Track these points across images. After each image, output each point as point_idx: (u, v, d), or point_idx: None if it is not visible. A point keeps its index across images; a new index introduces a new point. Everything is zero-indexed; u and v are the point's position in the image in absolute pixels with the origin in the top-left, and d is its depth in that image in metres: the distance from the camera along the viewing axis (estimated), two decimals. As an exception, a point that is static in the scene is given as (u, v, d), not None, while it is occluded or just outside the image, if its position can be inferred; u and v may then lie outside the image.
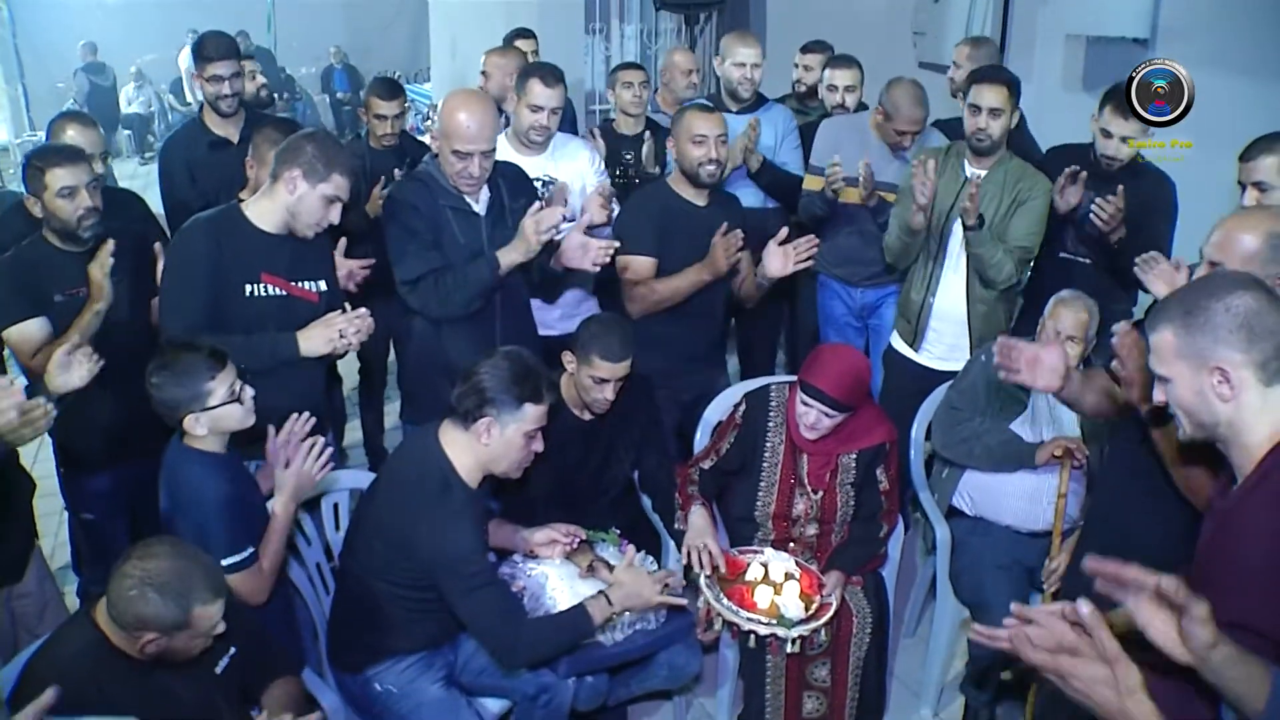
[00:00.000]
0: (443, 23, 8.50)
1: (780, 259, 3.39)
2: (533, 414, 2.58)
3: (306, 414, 2.69)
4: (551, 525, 3.00)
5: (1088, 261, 3.63)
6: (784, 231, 3.44)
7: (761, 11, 7.37)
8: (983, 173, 3.58)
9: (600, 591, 2.72)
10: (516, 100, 3.66)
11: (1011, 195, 3.54)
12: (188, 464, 2.49)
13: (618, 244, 3.32)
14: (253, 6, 13.62)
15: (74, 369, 2.58)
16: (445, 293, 3.11)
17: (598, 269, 3.31)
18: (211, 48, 3.99)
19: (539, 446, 2.65)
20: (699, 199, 3.52)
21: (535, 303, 3.70)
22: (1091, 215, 3.41)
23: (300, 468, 2.62)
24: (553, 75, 3.62)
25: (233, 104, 4.04)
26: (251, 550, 2.48)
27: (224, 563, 2.38)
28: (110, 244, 3.05)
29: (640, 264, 3.48)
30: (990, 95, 3.49)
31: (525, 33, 5.32)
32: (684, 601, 2.84)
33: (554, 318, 3.73)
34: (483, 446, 2.58)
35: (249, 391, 2.51)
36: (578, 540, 3.00)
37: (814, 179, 4.09)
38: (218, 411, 2.46)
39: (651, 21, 7.46)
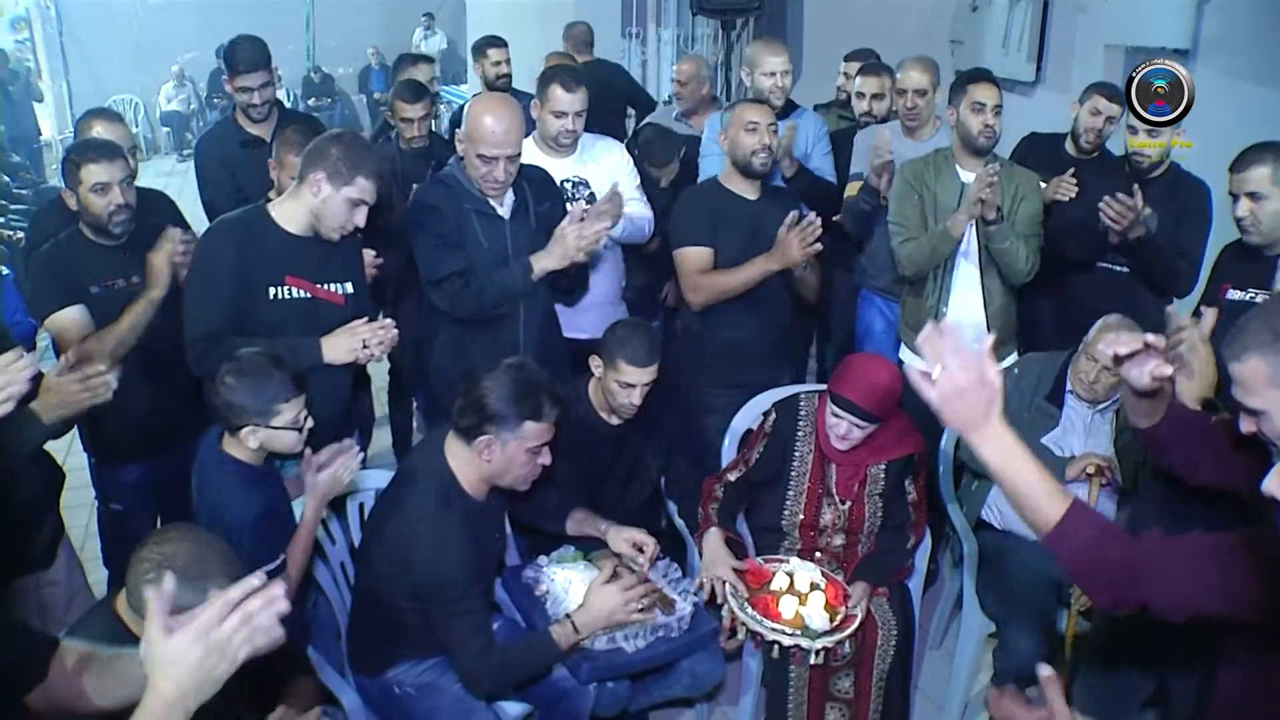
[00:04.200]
0: (479, 25, 8.53)
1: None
2: (533, 431, 2.54)
3: (355, 446, 2.70)
4: (635, 530, 2.97)
5: (1125, 270, 3.58)
6: (793, 215, 3.39)
7: (799, 18, 7.34)
8: (974, 175, 3.54)
9: (567, 615, 2.67)
10: (540, 107, 3.68)
11: (1011, 192, 3.53)
12: (224, 473, 2.52)
13: (609, 226, 3.31)
14: (292, 6, 13.74)
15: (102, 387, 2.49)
16: (475, 293, 3.11)
17: (584, 256, 3.20)
18: (241, 59, 4.00)
19: (546, 460, 2.62)
20: (750, 192, 3.52)
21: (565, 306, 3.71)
22: (1100, 213, 3.38)
23: (334, 473, 2.63)
24: (573, 79, 3.65)
25: (262, 112, 4.06)
26: (284, 558, 2.51)
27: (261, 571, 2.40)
28: (176, 232, 3.11)
29: (697, 254, 3.49)
30: (992, 93, 3.50)
31: (496, 41, 5.33)
32: (654, 618, 2.77)
33: (584, 321, 3.73)
34: (484, 463, 2.56)
35: (310, 423, 2.54)
36: (653, 550, 2.96)
37: (855, 185, 4.07)
38: (276, 432, 2.48)
39: (688, 27, 7.47)
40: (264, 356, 2.52)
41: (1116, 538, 1.74)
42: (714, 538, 3.02)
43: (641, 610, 2.67)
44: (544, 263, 3.13)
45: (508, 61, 5.18)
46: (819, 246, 3.37)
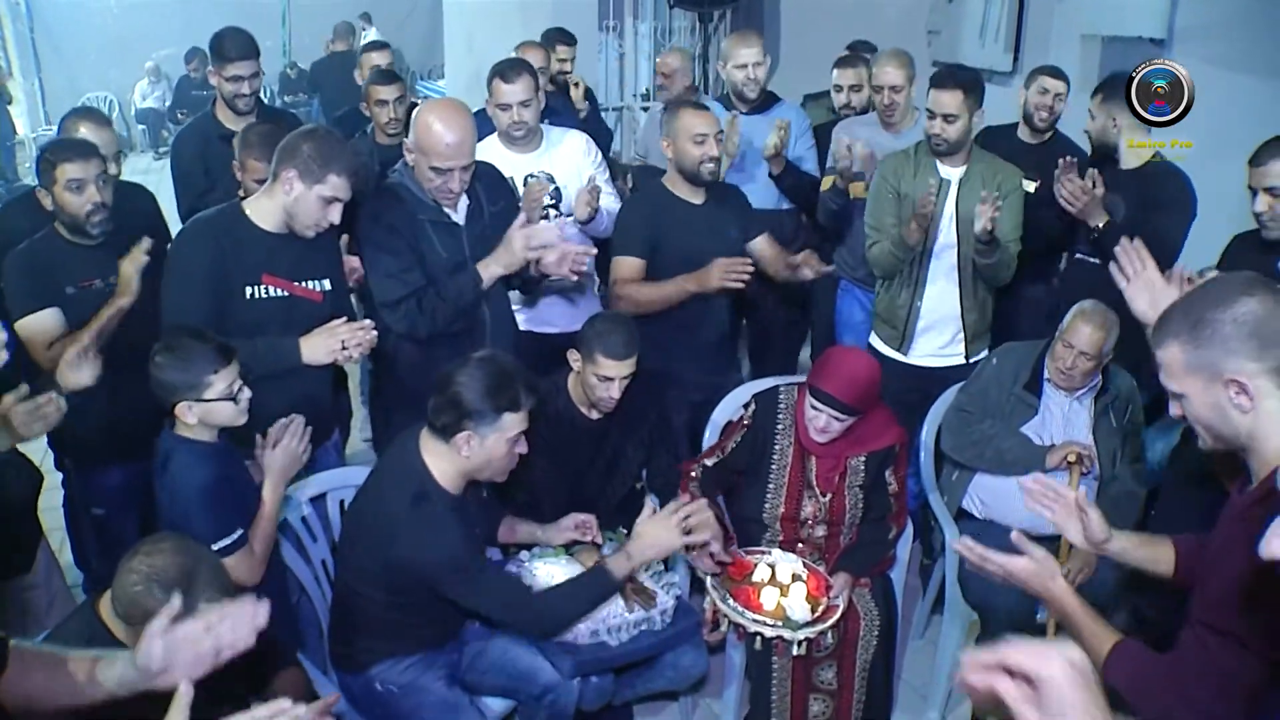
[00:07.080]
0: (457, 20, 8.48)
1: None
2: (512, 422, 2.53)
3: (300, 418, 2.67)
4: (570, 516, 3.00)
5: (1096, 262, 3.58)
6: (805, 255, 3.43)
7: (775, 9, 7.34)
8: (958, 172, 3.55)
9: (620, 547, 2.70)
10: (489, 103, 3.66)
11: (992, 193, 3.48)
12: (176, 451, 2.51)
13: (595, 251, 3.31)
14: (268, 2, 13.63)
15: (85, 368, 2.61)
16: (430, 312, 3.02)
17: (575, 278, 3.26)
18: (231, 47, 3.94)
19: (523, 449, 2.62)
20: (695, 196, 3.49)
21: (543, 300, 3.70)
22: (1056, 192, 3.39)
23: (287, 446, 2.61)
24: (512, 70, 3.60)
25: (249, 103, 4.02)
26: (241, 532, 2.49)
27: (214, 547, 2.38)
28: (146, 242, 3.05)
29: (626, 265, 3.43)
30: (944, 100, 3.46)
31: (563, 36, 5.18)
32: (707, 536, 2.76)
33: (559, 315, 3.72)
34: (464, 459, 2.55)
35: (246, 393, 2.51)
36: (593, 530, 3.00)
37: (829, 179, 4.06)
38: (211, 405, 2.46)
39: (665, 20, 7.46)
40: (188, 332, 2.51)
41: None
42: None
43: (691, 534, 2.68)
44: (491, 270, 3.04)
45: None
46: (742, 282, 3.31)
